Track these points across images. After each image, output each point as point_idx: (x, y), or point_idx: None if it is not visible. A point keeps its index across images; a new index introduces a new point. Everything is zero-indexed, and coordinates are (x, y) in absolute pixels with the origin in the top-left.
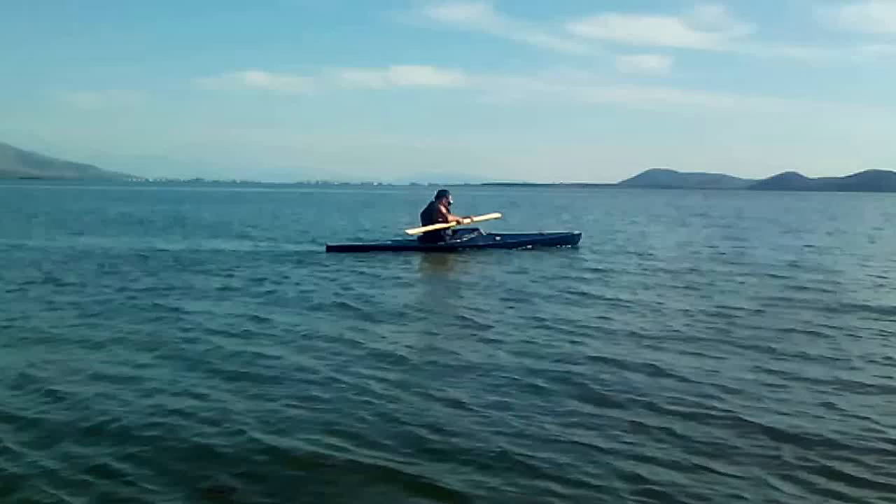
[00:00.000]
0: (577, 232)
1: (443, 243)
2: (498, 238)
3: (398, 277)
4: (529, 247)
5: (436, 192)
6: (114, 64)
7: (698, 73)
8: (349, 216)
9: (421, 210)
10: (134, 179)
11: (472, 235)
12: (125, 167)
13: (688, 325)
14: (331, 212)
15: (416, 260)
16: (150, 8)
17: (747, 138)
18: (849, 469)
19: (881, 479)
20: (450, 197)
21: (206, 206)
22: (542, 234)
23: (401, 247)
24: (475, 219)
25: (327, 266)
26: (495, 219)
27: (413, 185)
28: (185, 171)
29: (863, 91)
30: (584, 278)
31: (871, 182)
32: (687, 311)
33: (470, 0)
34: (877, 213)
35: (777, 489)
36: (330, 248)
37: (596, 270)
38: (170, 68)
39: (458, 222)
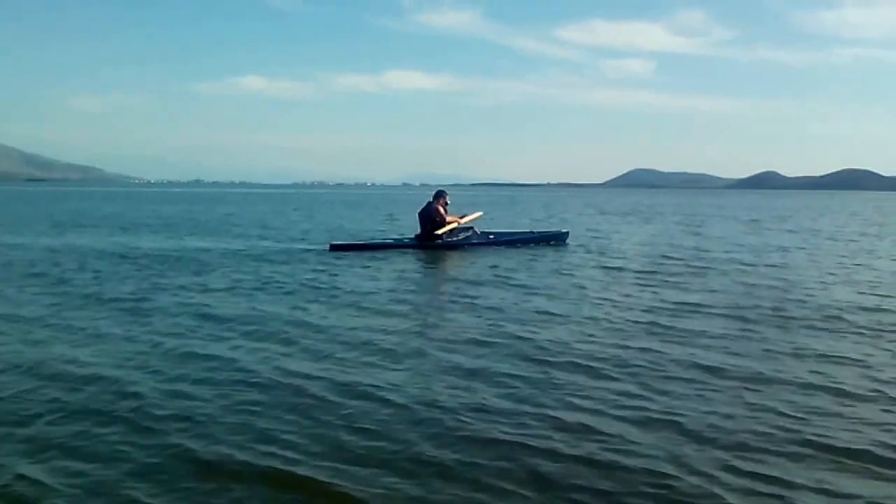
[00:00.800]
0: (564, 230)
1: (440, 241)
2: (492, 236)
3: (397, 274)
4: (522, 244)
5: (434, 193)
6: (113, 68)
7: (680, 76)
8: (348, 215)
9: (419, 209)
10: (136, 181)
11: (468, 234)
12: (127, 169)
13: (629, 317)
14: (329, 211)
15: (415, 258)
16: (148, 14)
17: (728, 139)
18: (751, 466)
19: (788, 478)
20: (447, 197)
21: (214, 206)
22: (532, 233)
23: (400, 245)
24: (464, 220)
25: (333, 263)
26: (478, 217)
27: (405, 184)
28: (186, 172)
29: (839, 93)
30: (572, 274)
31: (847, 181)
32: (631, 303)
33: (460, 7)
34: (845, 212)
35: (675, 484)
36: (333, 247)
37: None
38: (169, 73)
39: (457, 223)
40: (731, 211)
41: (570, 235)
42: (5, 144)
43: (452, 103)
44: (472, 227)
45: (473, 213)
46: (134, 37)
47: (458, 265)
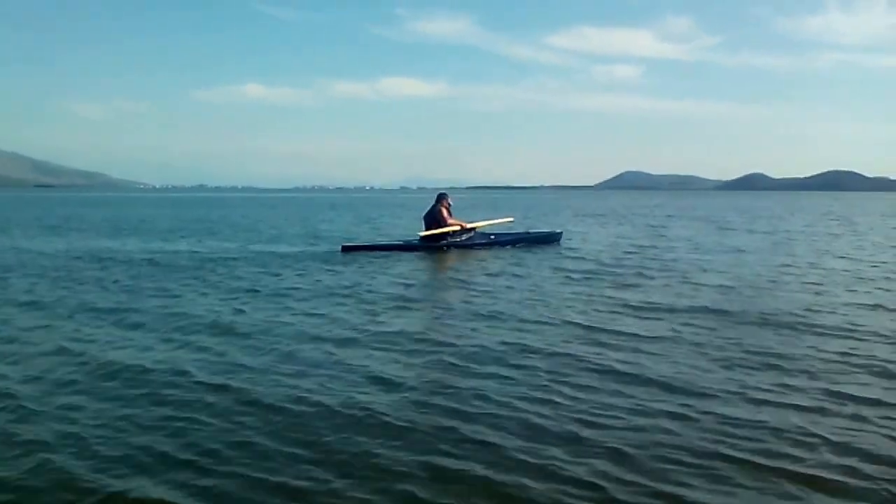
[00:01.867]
0: (559, 231)
1: (444, 242)
2: (492, 237)
3: (406, 274)
4: (519, 244)
5: (436, 196)
6: (116, 77)
7: (669, 81)
8: (353, 218)
9: (424, 212)
10: (141, 186)
11: (470, 235)
12: (132, 174)
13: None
14: (333, 213)
15: (423, 258)
16: (148, 24)
17: (716, 141)
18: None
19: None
20: (449, 199)
21: (226, 210)
22: (528, 233)
23: (409, 247)
24: (482, 224)
25: (345, 264)
26: (508, 223)
27: (403, 188)
28: (189, 177)
29: (823, 97)
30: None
31: (831, 182)
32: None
33: (454, 15)
34: (818, 212)
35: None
36: (345, 249)
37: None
38: (171, 82)
39: (461, 226)
40: (709, 211)
41: (563, 236)
42: (15, 152)
43: (448, 109)
44: (473, 229)
45: (496, 219)
46: (135, 46)
47: (460, 264)
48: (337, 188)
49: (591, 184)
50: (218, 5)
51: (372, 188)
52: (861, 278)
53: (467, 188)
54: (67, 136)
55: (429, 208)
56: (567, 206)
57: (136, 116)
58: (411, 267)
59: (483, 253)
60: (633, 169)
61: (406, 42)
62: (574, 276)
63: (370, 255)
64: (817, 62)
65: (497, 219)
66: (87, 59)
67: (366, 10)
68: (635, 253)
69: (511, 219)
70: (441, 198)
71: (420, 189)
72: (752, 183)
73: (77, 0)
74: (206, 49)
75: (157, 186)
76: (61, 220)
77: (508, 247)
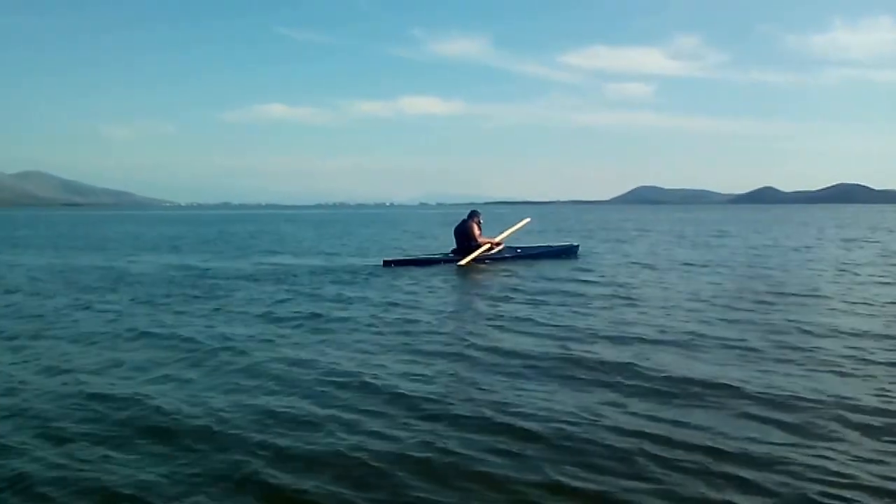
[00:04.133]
0: (576, 244)
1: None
2: (519, 251)
3: (444, 285)
4: (542, 257)
5: (468, 212)
6: (142, 100)
7: (680, 98)
8: (383, 234)
9: (455, 227)
10: (168, 204)
11: (500, 248)
12: (158, 193)
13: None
14: (361, 229)
15: (458, 271)
16: (172, 47)
17: (727, 157)
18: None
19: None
20: (480, 217)
21: (261, 226)
22: (550, 247)
23: (445, 260)
24: (504, 235)
25: (386, 278)
26: (524, 225)
27: (422, 203)
28: (214, 195)
29: (831, 112)
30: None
31: (841, 194)
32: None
33: (470, 36)
34: (816, 224)
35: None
36: (386, 263)
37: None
38: (196, 103)
39: (491, 244)
40: (707, 225)
41: (579, 249)
42: (45, 172)
43: (465, 126)
44: (501, 242)
45: (515, 225)
46: (160, 68)
47: (492, 277)
48: (358, 204)
49: (606, 198)
50: (239, 28)
51: (392, 204)
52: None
53: (485, 203)
54: (95, 157)
55: (460, 224)
56: (588, 221)
57: (162, 137)
58: (450, 281)
59: (514, 266)
60: (647, 184)
61: (424, 62)
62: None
63: (411, 268)
64: (824, 78)
65: (517, 224)
66: (112, 80)
67: (383, 32)
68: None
69: (528, 219)
70: (473, 215)
71: (439, 205)
72: (763, 197)
73: (108, 32)
74: (229, 71)
75: (183, 204)
76: (104, 240)
77: (541, 258)
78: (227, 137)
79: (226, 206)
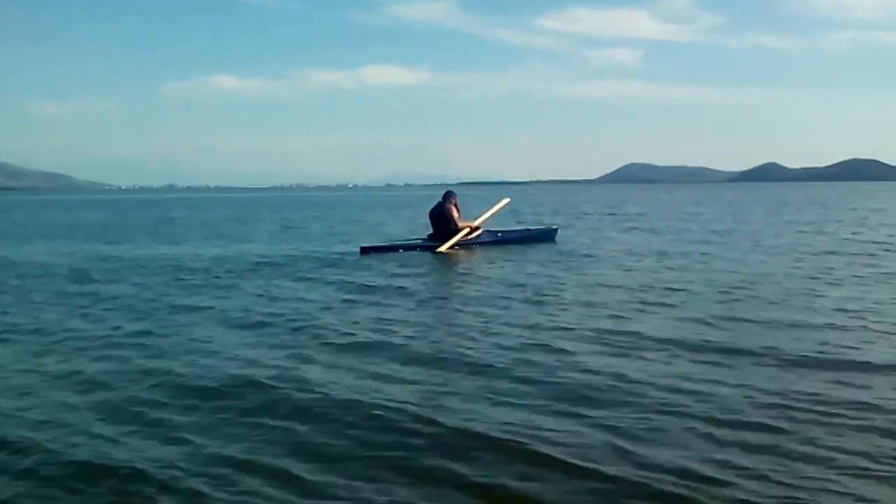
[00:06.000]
0: (555, 227)
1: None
2: (499, 234)
3: (423, 273)
4: (522, 242)
5: (443, 194)
6: (77, 73)
7: (671, 65)
8: (352, 218)
9: (430, 210)
10: (107, 187)
11: (479, 233)
12: (97, 175)
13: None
14: (327, 213)
15: (438, 258)
16: (108, 13)
17: (726, 130)
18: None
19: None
20: (456, 198)
21: (218, 211)
22: (529, 230)
23: (424, 246)
24: (482, 218)
25: (367, 265)
26: (504, 206)
27: (389, 185)
28: (158, 177)
29: (839, 78)
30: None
31: (852, 171)
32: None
33: None
34: (814, 203)
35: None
36: (364, 250)
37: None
38: (134, 75)
39: (471, 228)
40: (683, 206)
41: (558, 233)
42: None
43: (435, 99)
44: (480, 227)
45: (493, 207)
46: (94, 39)
47: (476, 264)
48: (318, 186)
49: (592, 177)
50: None
51: (356, 186)
52: None
53: (459, 184)
54: (29, 138)
55: (435, 207)
56: (570, 204)
57: (100, 114)
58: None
59: (494, 252)
60: (637, 161)
61: (385, 27)
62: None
63: (388, 255)
64: (830, 41)
65: (495, 206)
66: (43, 54)
67: None
68: None
69: (507, 200)
70: (449, 196)
71: (407, 185)
72: (767, 174)
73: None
74: (171, 41)
75: (123, 187)
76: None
77: (521, 243)
78: (172, 114)
79: (171, 188)
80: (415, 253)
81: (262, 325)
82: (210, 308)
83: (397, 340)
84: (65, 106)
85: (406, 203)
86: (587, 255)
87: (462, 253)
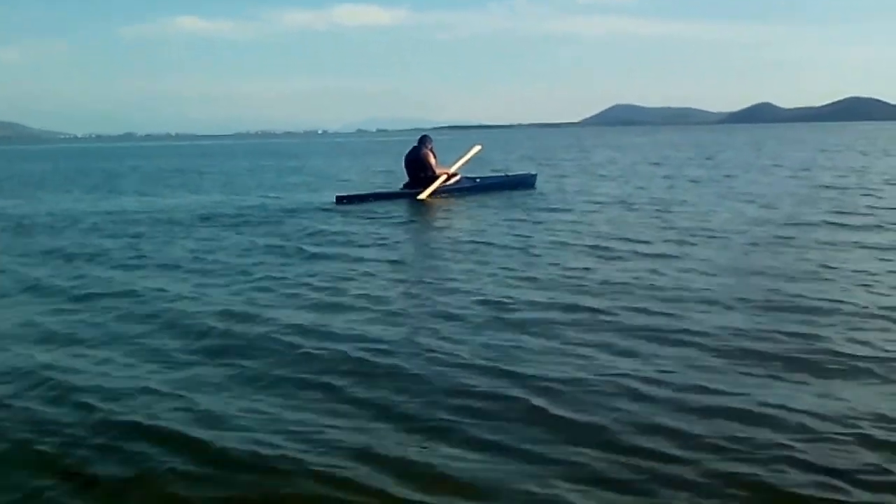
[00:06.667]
0: (533, 173)
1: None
2: (477, 180)
3: (403, 222)
4: (501, 188)
5: (419, 139)
6: (26, 15)
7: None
8: (323, 166)
9: (405, 157)
10: (63, 136)
11: (457, 178)
12: (53, 124)
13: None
14: (298, 162)
15: (415, 206)
16: None
17: (716, 69)
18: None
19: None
20: (432, 144)
21: (172, 160)
22: (507, 176)
23: (401, 194)
24: (458, 165)
25: (343, 214)
26: (477, 153)
27: (360, 130)
28: (116, 125)
29: (838, 12)
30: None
31: (851, 110)
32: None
33: None
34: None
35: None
36: (339, 199)
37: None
38: (91, 16)
39: (448, 175)
40: (654, 149)
41: (537, 178)
42: None
43: (412, 39)
44: (457, 173)
45: (466, 154)
46: None
47: (455, 212)
48: (285, 132)
49: (576, 120)
50: None
51: (325, 132)
52: None
53: (434, 128)
54: None
55: (410, 153)
56: (548, 148)
57: (54, 58)
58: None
59: (474, 198)
60: (623, 102)
61: None
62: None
63: (365, 205)
64: None
65: (468, 153)
66: None
67: None
68: None
69: (479, 146)
70: (425, 140)
71: (380, 131)
72: (759, 115)
73: None
74: None
75: (80, 136)
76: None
77: (498, 189)
78: (130, 57)
79: (129, 136)
80: (392, 201)
81: (224, 272)
82: (166, 260)
83: (375, 293)
84: (14, 50)
85: (378, 150)
86: (559, 203)
87: (440, 200)
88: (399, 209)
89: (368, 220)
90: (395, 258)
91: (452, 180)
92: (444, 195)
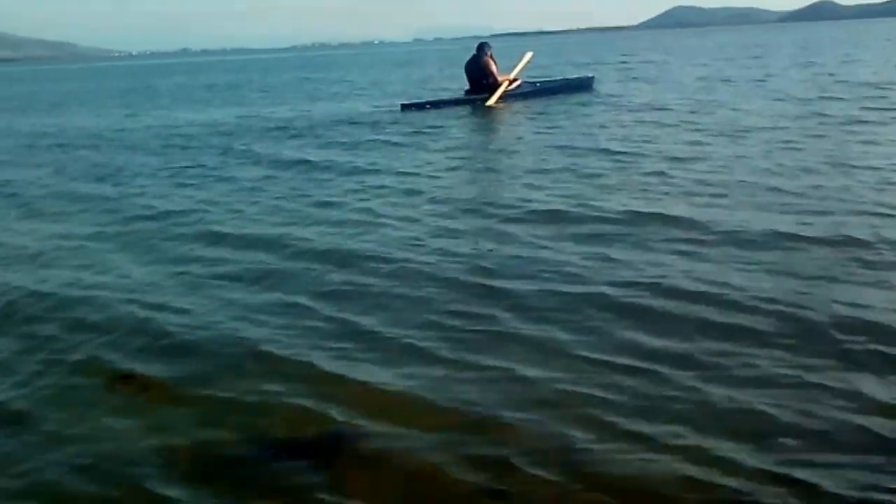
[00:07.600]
0: (591, 75)
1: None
2: (538, 84)
3: (472, 128)
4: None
5: (477, 46)
6: None
7: None
8: (383, 76)
9: (466, 65)
10: (116, 54)
11: (519, 83)
12: (104, 42)
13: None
14: (362, 72)
15: (480, 110)
16: None
17: None
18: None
19: None
20: (492, 50)
21: (241, 75)
22: (567, 80)
23: (466, 100)
24: (516, 71)
25: (409, 121)
26: (530, 60)
27: (417, 40)
28: (170, 42)
29: None
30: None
31: None
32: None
33: None
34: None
35: None
36: (405, 106)
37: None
38: None
39: (509, 81)
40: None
41: (595, 80)
42: None
43: None
44: (518, 77)
45: (521, 61)
46: None
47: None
48: (341, 44)
49: (633, 23)
50: None
51: (381, 42)
52: None
53: (491, 35)
54: (27, 3)
55: (471, 60)
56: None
57: None
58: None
59: (537, 102)
60: (683, 3)
61: None
62: None
63: (433, 111)
64: None
65: (522, 60)
66: None
67: None
68: None
69: (531, 53)
70: (484, 47)
71: (437, 40)
72: (820, 12)
73: None
74: None
75: (135, 53)
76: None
77: (559, 93)
78: None
79: (185, 52)
80: (458, 108)
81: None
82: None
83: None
84: None
85: (436, 58)
86: (621, 104)
87: (503, 104)
88: (467, 114)
89: (438, 128)
90: (463, 156)
91: (514, 85)
92: (507, 100)
